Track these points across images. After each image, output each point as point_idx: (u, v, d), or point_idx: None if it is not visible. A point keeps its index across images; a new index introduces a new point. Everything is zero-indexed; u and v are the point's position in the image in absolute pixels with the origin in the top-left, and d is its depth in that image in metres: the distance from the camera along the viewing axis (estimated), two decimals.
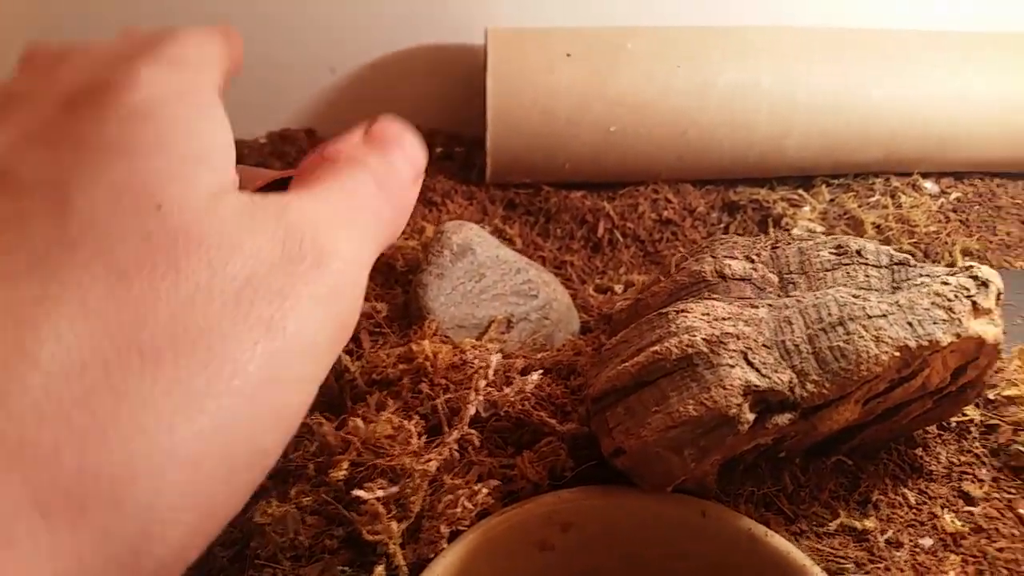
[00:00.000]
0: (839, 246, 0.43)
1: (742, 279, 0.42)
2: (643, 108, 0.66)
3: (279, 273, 0.22)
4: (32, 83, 0.25)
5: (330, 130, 0.75)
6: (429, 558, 0.36)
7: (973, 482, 0.44)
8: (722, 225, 0.67)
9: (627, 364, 0.39)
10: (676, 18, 0.74)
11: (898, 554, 0.39)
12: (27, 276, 0.19)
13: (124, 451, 0.18)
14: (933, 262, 0.61)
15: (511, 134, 0.66)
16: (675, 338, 0.38)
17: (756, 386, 0.36)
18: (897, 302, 0.39)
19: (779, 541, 0.36)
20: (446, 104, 0.78)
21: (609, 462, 0.39)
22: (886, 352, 0.37)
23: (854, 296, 0.40)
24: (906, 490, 0.43)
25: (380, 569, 0.37)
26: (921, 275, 0.41)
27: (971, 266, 0.42)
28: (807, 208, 0.66)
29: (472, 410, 0.42)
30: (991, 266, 0.60)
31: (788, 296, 0.41)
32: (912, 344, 0.37)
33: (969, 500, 0.43)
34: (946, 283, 0.40)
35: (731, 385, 0.36)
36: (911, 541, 0.40)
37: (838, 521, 0.40)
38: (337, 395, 0.46)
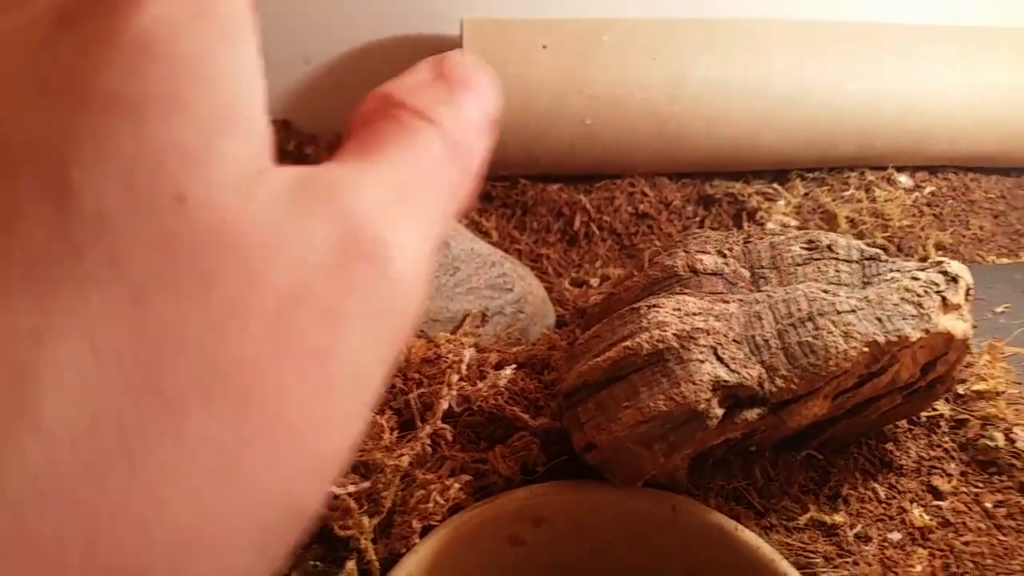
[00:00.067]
0: (810, 241, 0.43)
1: (714, 274, 0.42)
2: (619, 101, 0.66)
3: (330, 282, 0.18)
4: None
5: (305, 121, 0.74)
6: (401, 553, 0.36)
7: (942, 476, 0.44)
8: (698, 218, 0.67)
9: (599, 359, 0.39)
10: (652, 9, 0.74)
11: (867, 548, 0.40)
12: (22, 296, 0.15)
13: (140, 539, 0.15)
14: (907, 256, 0.62)
15: None
16: (646, 333, 0.38)
17: (725, 381, 0.36)
18: (867, 297, 0.39)
19: (748, 535, 0.36)
20: None
21: (581, 457, 0.39)
22: (855, 348, 0.37)
23: (824, 291, 0.40)
24: (876, 484, 0.43)
25: (351, 564, 0.37)
26: (891, 270, 0.42)
27: (941, 261, 0.42)
28: (781, 202, 0.66)
29: (445, 405, 0.42)
30: (963, 260, 0.61)
31: (759, 291, 0.41)
32: (881, 340, 0.38)
33: (937, 494, 0.43)
34: (916, 278, 0.41)
35: (700, 380, 0.36)
36: (880, 535, 0.41)
37: (808, 515, 0.41)
38: None
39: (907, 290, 0.40)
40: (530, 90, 0.66)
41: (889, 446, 0.45)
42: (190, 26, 0.18)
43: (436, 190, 0.21)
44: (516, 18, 0.70)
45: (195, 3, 0.18)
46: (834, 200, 0.66)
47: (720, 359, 0.37)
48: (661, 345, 0.38)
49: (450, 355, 0.45)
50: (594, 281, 0.60)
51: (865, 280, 0.42)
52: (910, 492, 0.43)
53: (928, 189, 0.70)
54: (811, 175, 0.70)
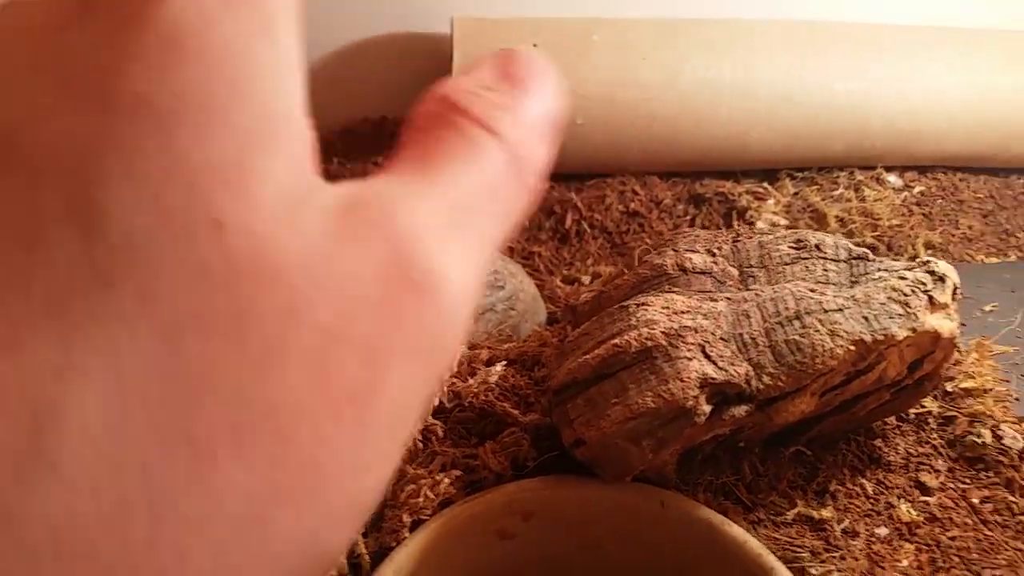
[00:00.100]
0: (799, 240, 0.44)
1: (703, 272, 0.43)
2: (610, 100, 0.67)
3: (374, 318, 0.16)
4: None
5: None
6: (391, 547, 0.37)
7: (930, 472, 0.44)
8: (688, 217, 0.67)
9: (588, 356, 0.39)
10: (643, 9, 0.74)
11: (854, 543, 0.40)
12: (44, 330, 0.14)
13: None
14: (896, 255, 0.62)
15: None
16: (635, 331, 0.39)
17: (713, 378, 0.37)
18: (854, 296, 0.40)
19: (736, 530, 0.36)
20: (413, 93, 0.78)
21: (570, 453, 0.39)
22: (841, 346, 0.38)
23: (811, 290, 0.40)
24: (864, 480, 0.43)
25: (342, 557, 0.38)
26: (879, 269, 0.42)
27: (928, 261, 0.42)
28: (771, 201, 0.67)
29: (436, 401, 0.43)
30: (952, 259, 0.62)
31: (748, 289, 0.42)
32: (867, 338, 0.38)
33: (925, 490, 0.43)
34: (903, 278, 0.41)
35: (688, 378, 0.36)
36: (867, 530, 0.41)
37: (795, 510, 0.41)
38: None
39: (894, 289, 0.40)
40: None
41: (877, 442, 0.45)
42: (224, 15, 0.16)
43: (494, 210, 0.19)
44: (507, 17, 0.70)
45: None
46: (824, 199, 0.67)
47: (708, 357, 0.38)
48: (650, 343, 0.38)
49: None
50: (585, 279, 0.60)
51: (853, 279, 0.42)
52: (898, 488, 0.43)
53: (917, 189, 0.70)
54: (801, 175, 0.70)
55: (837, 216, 0.65)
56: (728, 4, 0.76)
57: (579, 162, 0.69)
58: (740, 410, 0.37)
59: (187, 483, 0.14)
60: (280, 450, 0.15)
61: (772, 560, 0.35)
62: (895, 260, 0.43)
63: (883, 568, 0.39)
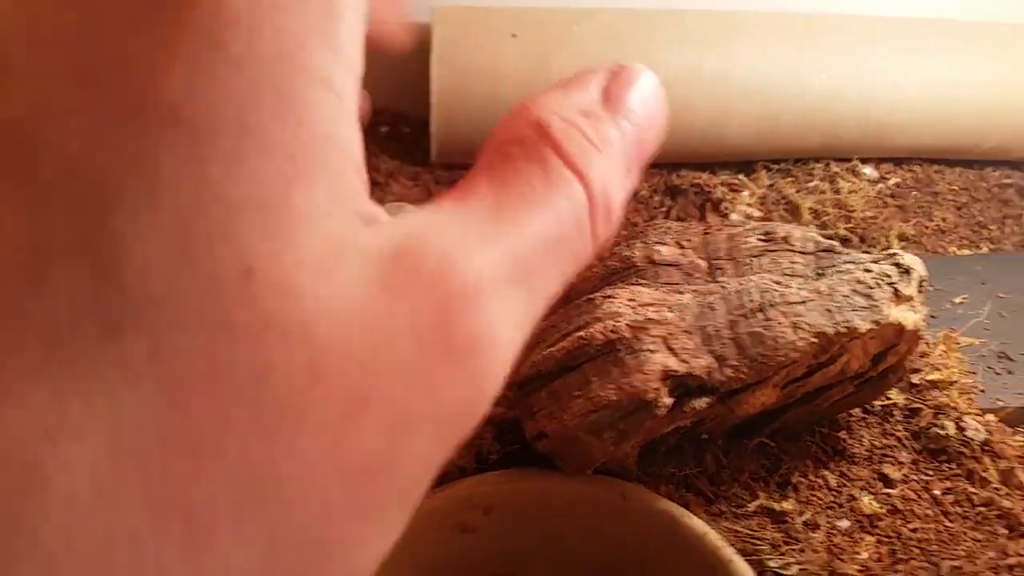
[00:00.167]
0: (767, 233, 0.44)
1: (671, 265, 0.43)
2: None
3: (405, 384, 0.14)
4: None
5: None
6: None
7: (893, 464, 0.45)
8: (664, 209, 0.67)
9: (552, 349, 0.39)
10: (622, 0, 0.74)
11: (814, 535, 0.40)
12: (38, 382, 0.12)
13: None
14: (868, 247, 0.62)
15: (456, 115, 0.66)
16: (600, 323, 0.39)
17: (674, 371, 0.37)
18: (818, 289, 0.40)
19: (696, 523, 0.37)
20: (393, 83, 0.77)
21: (532, 445, 0.39)
22: (803, 338, 0.38)
23: (776, 283, 0.40)
24: (827, 472, 0.44)
25: None
26: (846, 262, 0.42)
27: (895, 253, 0.42)
28: (746, 193, 0.67)
29: None
30: (926, 251, 0.62)
31: (715, 282, 0.42)
32: (829, 331, 0.38)
33: (888, 482, 0.44)
34: (868, 270, 0.41)
35: (650, 370, 0.36)
36: (828, 523, 0.41)
37: (757, 502, 0.41)
38: None
39: (859, 282, 0.40)
40: (499, 79, 0.66)
41: (842, 434, 0.46)
42: (274, 11, 0.14)
43: (560, 261, 0.18)
44: (486, 6, 0.70)
45: None
46: (798, 191, 0.67)
47: (671, 349, 0.38)
48: (614, 335, 0.38)
49: None
50: None
51: (819, 272, 0.42)
52: (861, 480, 0.44)
53: (892, 180, 0.70)
54: (777, 166, 0.70)
55: (811, 208, 0.65)
56: None
57: None
58: (701, 402, 0.38)
59: (180, 562, 0.13)
60: (282, 527, 0.13)
61: (730, 552, 0.35)
62: (864, 253, 0.43)
63: (842, 560, 0.39)
